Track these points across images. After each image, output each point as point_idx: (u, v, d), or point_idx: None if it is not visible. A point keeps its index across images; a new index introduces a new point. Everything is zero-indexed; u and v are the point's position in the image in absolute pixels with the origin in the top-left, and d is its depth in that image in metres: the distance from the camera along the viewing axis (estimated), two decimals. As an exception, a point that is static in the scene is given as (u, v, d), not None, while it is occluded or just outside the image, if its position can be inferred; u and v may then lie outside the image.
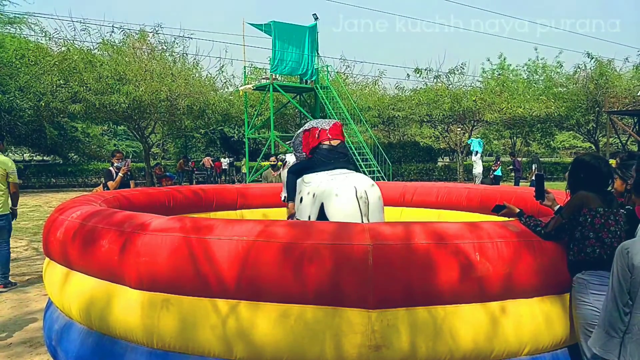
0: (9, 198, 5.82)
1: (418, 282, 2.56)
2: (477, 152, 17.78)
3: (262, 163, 24.86)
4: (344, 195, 4.25)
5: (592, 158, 2.82)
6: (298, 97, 21.50)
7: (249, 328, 2.60)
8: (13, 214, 5.94)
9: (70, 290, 3.29)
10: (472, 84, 25.99)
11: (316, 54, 19.46)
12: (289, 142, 4.76)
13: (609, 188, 2.81)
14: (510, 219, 3.21)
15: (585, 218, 2.67)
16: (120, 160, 6.82)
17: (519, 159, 21.65)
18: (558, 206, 3.22)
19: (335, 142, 4.86)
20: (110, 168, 6.87)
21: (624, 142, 26.48)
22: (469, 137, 25.06)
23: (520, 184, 16.12)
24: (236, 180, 27.50)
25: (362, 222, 4.15)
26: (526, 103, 23.10)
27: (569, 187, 2.90)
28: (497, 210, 3.28)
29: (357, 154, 18.30)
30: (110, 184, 6.66)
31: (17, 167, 6.20)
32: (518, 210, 3.12)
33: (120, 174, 6.67)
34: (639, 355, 1.91)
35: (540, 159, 23.95)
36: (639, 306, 1.91)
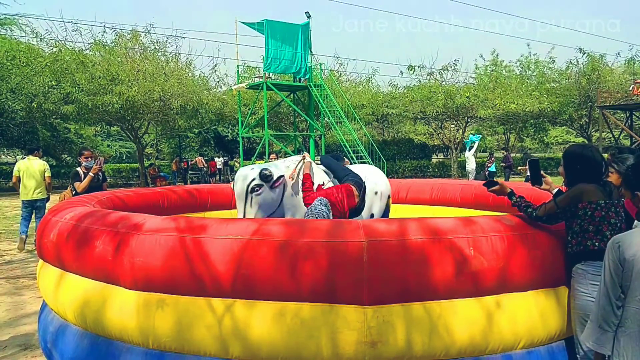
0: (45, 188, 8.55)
1: (413, 278, 2.56)
2: (471, 147, 17.84)
3: (257, 162, 24.80)
4: None
5: (584, 149, 2.79)
6: (292, 95, 21.47)
7: (244, 327, 2.60)
8: (47, 198, 8.73)
9: (64, 292, 3.28)
10: (466, 81, 26.11)
11: (309, 52, 19.43)
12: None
13: (605, 177, 2.79)
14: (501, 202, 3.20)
15: (585, 211, 2.65)
16: (89, 159, 5.96)
17: (512, 154, 21.72)
18: (556, 189, 3.19)
19: None
20: (78, 169, 5.97)
21: (617, 136, 26.62)
22: (463, 134, 25.13)
23: (510, 179, 16.19)
24: (231, 180, 27.44)
25: None
26: (519, 99, 23.16)
27: (566, 181, 2.86)
28: (489, 185, 3.26)
29: (351, 152, 18.31)
30: (77, 185, 5.76)
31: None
32: (510, 190, 3.11)
33: (90, 174, 5.78)
34: (633, 349, 1.91)
35: (533, 155, 24.00)
36: (631, 300, 1.91)
